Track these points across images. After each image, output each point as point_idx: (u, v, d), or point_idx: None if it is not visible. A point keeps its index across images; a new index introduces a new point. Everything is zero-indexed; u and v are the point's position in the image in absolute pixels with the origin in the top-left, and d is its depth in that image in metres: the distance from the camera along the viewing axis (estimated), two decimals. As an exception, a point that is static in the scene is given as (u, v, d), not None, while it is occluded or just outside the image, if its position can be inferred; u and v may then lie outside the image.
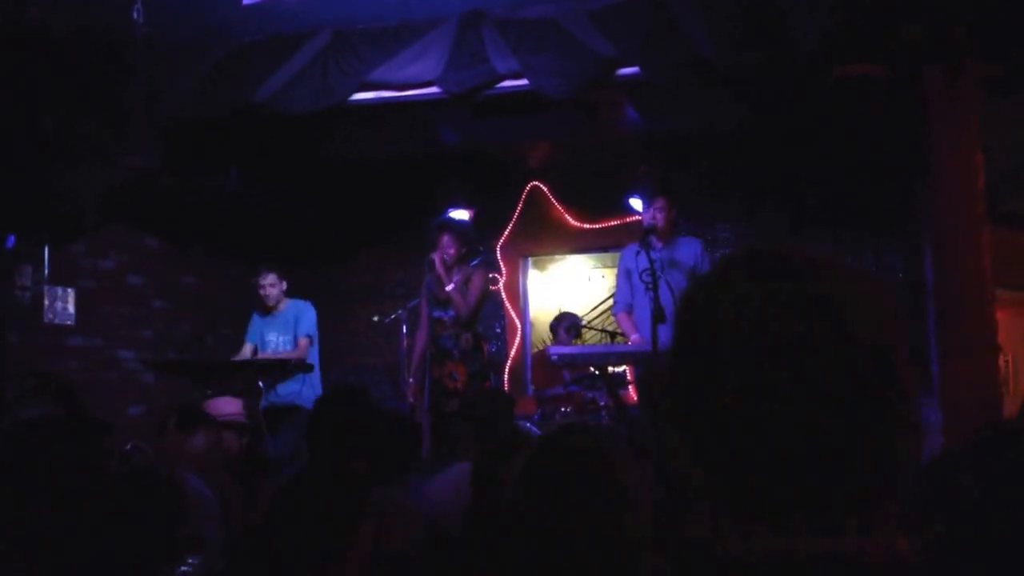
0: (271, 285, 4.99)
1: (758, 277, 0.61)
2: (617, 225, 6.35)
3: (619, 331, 5.32)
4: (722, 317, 0.60)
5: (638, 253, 4.12)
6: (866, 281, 0.62)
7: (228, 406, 3.23)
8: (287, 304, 5.09)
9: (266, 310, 5.09)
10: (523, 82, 4.21)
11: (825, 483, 0.58)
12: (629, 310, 4.44)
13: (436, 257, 4.56)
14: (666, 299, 3.87)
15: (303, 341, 5.02)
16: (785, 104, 4.73)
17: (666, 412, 0.65)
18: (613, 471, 1.24)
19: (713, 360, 0.60)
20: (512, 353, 6.61)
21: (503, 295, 6.64)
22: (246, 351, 5.08)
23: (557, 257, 7.60)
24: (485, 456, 2.13)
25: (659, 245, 4.27)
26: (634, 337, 4.35)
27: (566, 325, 5.98)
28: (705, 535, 0.61)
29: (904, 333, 0.62)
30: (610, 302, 6.27)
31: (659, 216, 4.29)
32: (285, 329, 5.06)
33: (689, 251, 4.35)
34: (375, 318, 6.06)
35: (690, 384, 0.62)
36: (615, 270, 7.30)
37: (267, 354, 5.05)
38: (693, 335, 0.63)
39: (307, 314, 5.09)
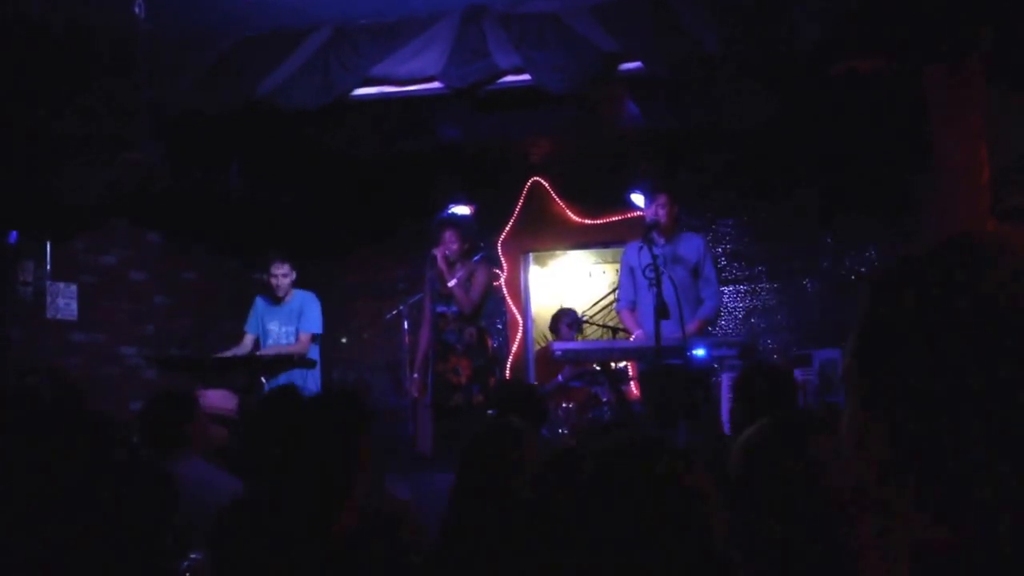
0: (284, 275, 4.98)
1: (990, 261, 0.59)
2: (618, 221, 6.35)
3: (620, 326, 5.32)
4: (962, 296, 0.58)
5: (640, 249, 4.12)
6: None
7: (221, 400, 3.24)
8: (294, 294, 5.07)
9: (272, 298, 5.06)
10: (525, 77, 4.20)
11: None
12: (632, 307, 4.44)
13: (438, 253, 4.55)
14: (669, 295, 3.87)
15: (304, 337, 5.00)
16: (787, 99, 4.72)
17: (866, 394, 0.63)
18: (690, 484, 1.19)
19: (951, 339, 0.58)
20: (514, 349, 6.61)
21: (504, 291, 6.64)
22: (247, 343, 5.06)
23: (558, 253, 7.60)
24: (474, 452, 2.09)
25: (661, 241, 4.27)
26: (637, 333, 4.35)
27: (567, 321, 5.98)
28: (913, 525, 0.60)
29: None
30: (611, 298, 6.27)
31: (661, 212, 4.29)
32: (289, 320, 5.04)
33: (691, 247, 4.35)
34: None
35: (904, 361, 0.60)
36: (616, 266, 7.29)
37: (268, 344, 5.03)
38: (917, 313, 0.60)
39: (312, 309, 5.06)
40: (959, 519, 0.58)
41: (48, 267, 5.03)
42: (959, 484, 0.58)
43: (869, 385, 0.63)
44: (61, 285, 5.14)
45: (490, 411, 4.45)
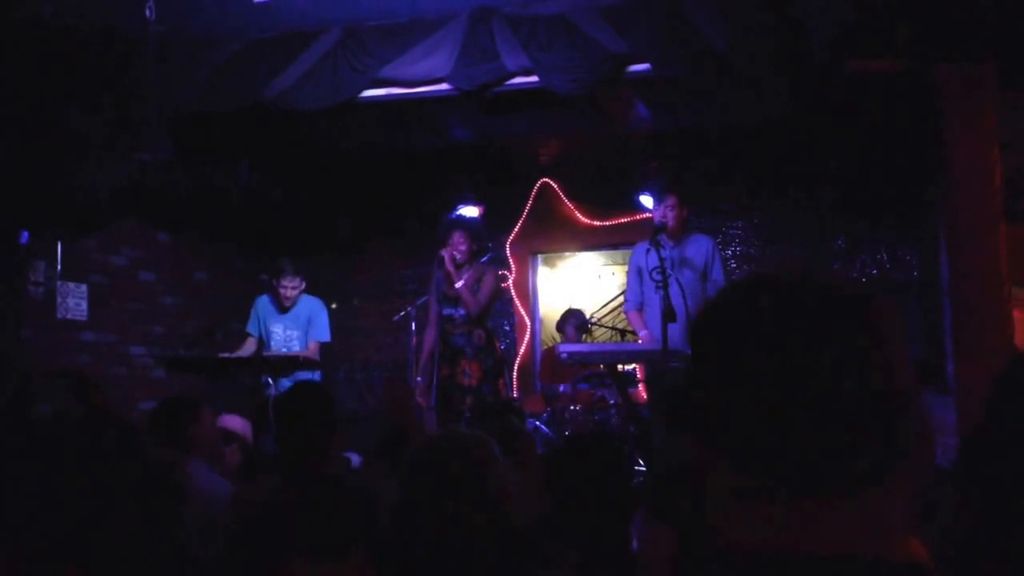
0: (294, 288, 4.97)
1: (773, 299, 0.70)
2: (627, 222, 6.33)
3: (629, 328, 5.30)
4: (741, 332, 0.69)
5: (648, 251, 4.10)
6: (866, 297, 0.70)
7: (236, 424, 3.30)
8: (300, 299, 5.07)
9: (277, 301, 5.06)
10: (533, 79, 4.19)
11: (826, 466, 0.65)
12: (639, 308, 4.42)
13: (445, 254, 4.53)
14: (676, 298, 3.84)
15: (314, 346, 5.00)
16: (798, 100, 4.69)
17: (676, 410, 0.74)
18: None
19: (731, 366, 0.68)
20: (521, 351, 6.60)
21: (512, 292, 6.63)
22: (250, 344, 5.05)
23: (567, 254, 7.58)
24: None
25: (669, 244, 4.25)
26: (643, 334, 4.33)
27: (574, 322, 5.96)
28: (712, 523, 0.68)
29: (902, 339, 0.70)
30: (620, 299, 6.24)
31: (670, 215, 4.27)
32: (295, 324, 5.03)
33: (700, 249, 4.33)
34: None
35: (706, 383, 0.70)
36: (625, 267, 7.24)
37: (271, 347, 5.02)
38: (712, 343, 0.71)
39: (322, 317, 5.05)
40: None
41: (59, 267, 5.06)
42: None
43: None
44: (71, 285, 5.17)
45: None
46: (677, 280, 3.94)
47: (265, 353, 4.96)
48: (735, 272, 6.15)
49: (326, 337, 5.05)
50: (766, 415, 0.65)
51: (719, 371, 0.69)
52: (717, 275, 4.31)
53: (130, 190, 4.98)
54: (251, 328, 5.10)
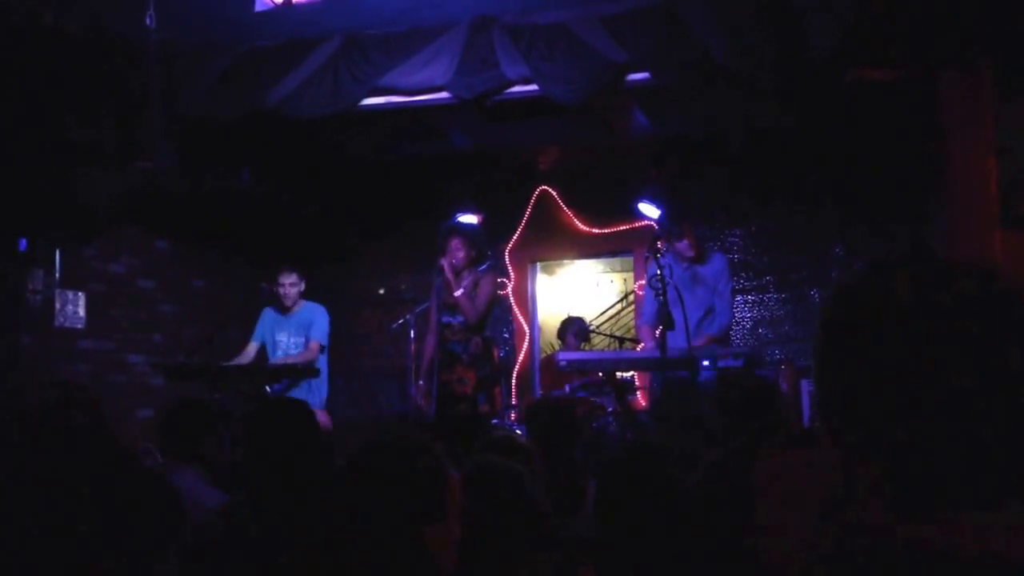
0: (292, 284, 5.00)
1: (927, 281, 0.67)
2: (626, 230, 6.34)
3: (627, 336, 5.31)
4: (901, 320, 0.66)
5: (647, 259, 4.13)
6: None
7: None
8: (302, 306, 5.08)
9: (281, 309, 5.09)
10: (533, 87, 4.21)
11: (991, 470, 0.64)
12: (653, 323, 4.44)
13: (444, 262, 4.54)
14: (693, 312, 3.90)
15: (313, 344, 5.02)
16: (797, 108, 4.71)
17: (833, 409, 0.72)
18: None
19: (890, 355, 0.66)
20: (520, 358, 6.60)
21: (511, 300, 6.64)
22: (250, 351, 5.07)
23: (565, 262, 7.59)
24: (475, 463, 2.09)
25: (684, 263, 4.34)
26: (648, 345, 4.35)
27: (574, 330, 5.97)
28: (873, 524, 0.67)
29: None
30: (618, 306, 6.30)
31: (688, 243, 4.36)
32: (298, 331, 5.05)
33: (714, 267, 4.43)
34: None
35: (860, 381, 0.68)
36: (623, 275, 7.27)
37: (277, 356, 5.04)
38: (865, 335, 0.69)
39: (321, 319, 5.09)
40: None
41: (57, 275, 5.06)
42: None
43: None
44: (70, 293, 5.17)
45: (494, 420, 4.43)
46: (676, 288, 3.97)
47: (271, 361, 4.99)
48: (732, 280, 6.17)
49: (324, 339, 5.08)
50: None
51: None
52: (723, 288, 4.37)
53: (130, 197, 4.98)
54: (254, 336, 5.13)
